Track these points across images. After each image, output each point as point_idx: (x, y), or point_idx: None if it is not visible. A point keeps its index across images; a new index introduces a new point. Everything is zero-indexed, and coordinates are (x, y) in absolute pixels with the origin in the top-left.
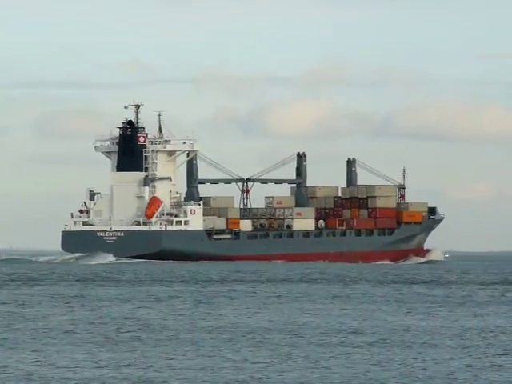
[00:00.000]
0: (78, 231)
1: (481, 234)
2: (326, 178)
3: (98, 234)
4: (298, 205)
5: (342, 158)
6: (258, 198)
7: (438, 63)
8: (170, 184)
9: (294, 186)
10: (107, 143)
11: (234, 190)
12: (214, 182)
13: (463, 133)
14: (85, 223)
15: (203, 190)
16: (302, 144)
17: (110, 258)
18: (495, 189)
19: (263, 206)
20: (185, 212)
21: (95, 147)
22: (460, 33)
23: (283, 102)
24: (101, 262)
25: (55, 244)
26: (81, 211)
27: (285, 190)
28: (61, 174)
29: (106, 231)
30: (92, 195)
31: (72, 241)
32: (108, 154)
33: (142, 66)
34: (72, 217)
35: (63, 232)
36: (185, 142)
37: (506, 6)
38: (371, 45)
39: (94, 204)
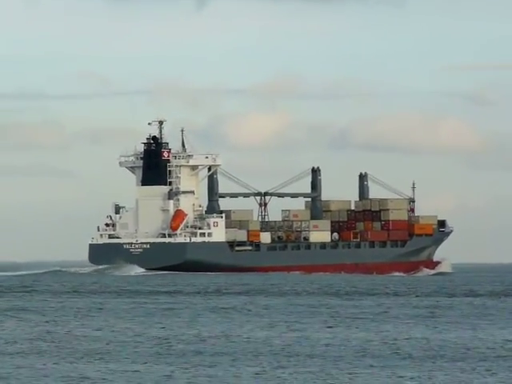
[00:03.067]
0: (104, 244)
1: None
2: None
3: (124, 246)
4: (313, 218)
5: (302, 168)
6: (274, 211)
7: (395, 75)
8: (193, 197)
9: (309, 199)
10: (131, 158)
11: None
12: (234, 195)
13: (420, 144)
14: (111, 236)
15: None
16: (261, 156)
17: (137, 270)
18: (457, 200)
19: (280, 219)
20: (208, 224)
21: (119, 162)
22: (419, 44)
23: (240, 114)
24: (129, 273)
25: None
26: (107, 224)
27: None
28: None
29: (132, 243)
30: (117, 209)
31: (99, 253)
32: (132, 168)
33: (98, 77)
34: (98, 230)
35: (90, 245)
36: (207, 157)
37: (464, 17)
38: (327, 56)
39: (120, 217)
